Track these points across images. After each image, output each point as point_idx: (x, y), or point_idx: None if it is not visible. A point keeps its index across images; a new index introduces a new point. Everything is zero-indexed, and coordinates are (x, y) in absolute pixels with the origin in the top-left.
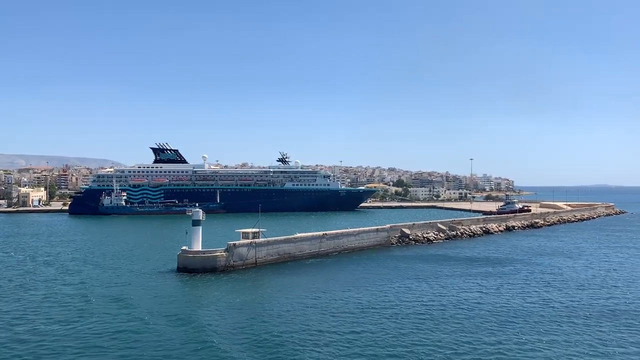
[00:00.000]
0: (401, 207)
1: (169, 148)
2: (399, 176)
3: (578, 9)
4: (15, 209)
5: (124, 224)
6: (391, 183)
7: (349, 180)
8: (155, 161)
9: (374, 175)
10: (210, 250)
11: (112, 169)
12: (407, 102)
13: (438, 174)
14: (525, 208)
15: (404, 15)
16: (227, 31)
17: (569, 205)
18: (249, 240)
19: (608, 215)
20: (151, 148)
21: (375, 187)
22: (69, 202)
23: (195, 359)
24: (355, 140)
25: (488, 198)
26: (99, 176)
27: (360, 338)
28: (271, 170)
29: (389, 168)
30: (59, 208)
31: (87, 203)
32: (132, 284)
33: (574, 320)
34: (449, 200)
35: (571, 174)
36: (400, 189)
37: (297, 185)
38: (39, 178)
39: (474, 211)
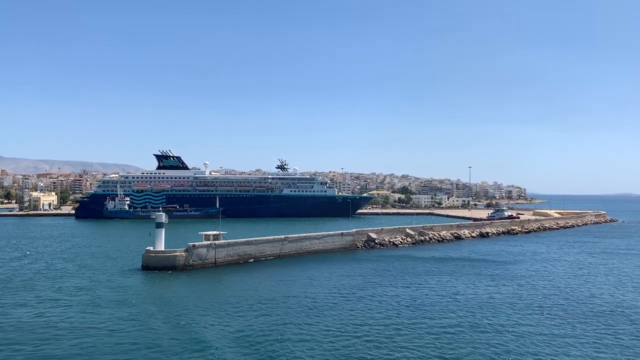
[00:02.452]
0: (399, 213)
1: (172, 155)
2: (410, 183)
3: (601, 17)
4: (26, 213)
5: (120, 227)
6: (398, 190)
7: (358, 187)
8: (159, 167)
9: (385, 182)
10: (171, 250)
11: (117, 175)
12: (425, 109)
13: (449, 181)
14: (514, 216)
15: (421, 23)
16: (240, 37)
17: (560, 213)
18: (208, 242)
19: (596, 223)
20: (155, 155)
21: (378, 193)
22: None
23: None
24: (371, 147)
25: (489, 206)
26: (104, 182)
27: (273, 321)
28: (269, 176)
29: (402, 175)
30: (68, 212)
31: (92, 207)
32: (97, 279)
33: (463, 311)
34: (450, 207)
35: (595, 182)
36: (402, 196)
37: (295, 191)
38: (54, 183)
39: (466, 218)
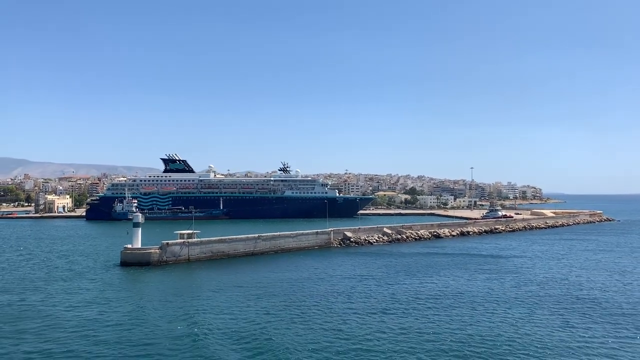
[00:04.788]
0: (400, 214)
1: (178, 158)
2: (423, 184)
3: (624, 20)
4: (41, 215)
5: (123, 228)
6: (406, 190)
7: (370, 188)
8: (165, 171)
9: (398, 183)
10: (146, 247)
11: (125, 178)
12: (445, 111)
13: (463, 182)
14: (508, 215)
15: (438, 25)
16: (262, 42)
17: (555, 213)
18: (182, 240)
19: (590, 222)
20: (161, 159)
21: (385, 194)
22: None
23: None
24: (392, 149)
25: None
26: (113, 184)
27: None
28: (272, 179)
29: (417, 176)
30: (80, 214)
31: (102, 209)
32: (79, 272)
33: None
34: (456, 208)
35: (620, 181)
36: (408, 197)
37: (296, 193)
38: (72, 186)
39: (464, 218)
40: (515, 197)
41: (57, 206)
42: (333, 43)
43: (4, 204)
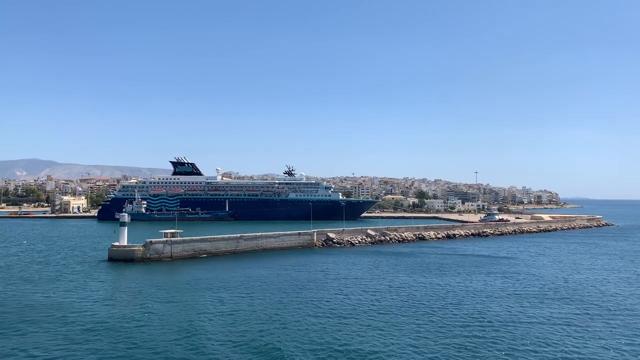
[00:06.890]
0: (404, 217)
1: (186, 161)
2: (437, 187)
3: None
4: (57, 215)
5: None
6: (417, 194)
7: (384, 191)
8: (174, 173)
9: (412, 187)
10: (131, 245)
11: (136, 180)
12: (466, 114)
13: (478, 185)
14: (505, 219)
15: (455, 25)
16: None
17: (553, 217)
18: (165, 239)
19: (585, 227)
20: (171, 162)
21: (392, 198)
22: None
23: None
24: (411, 152)
25: (500, 210)
26: (123, 186)
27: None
28: (276, 181)
29: (434, 180)
30: (93, 214)
31: (113, 210)
32: (71, 265)
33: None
34: (461, 212)
35: None
36: (416, 200)
37: (300, 195)
38: (92, 187)
39: (461, 221)
40: (530, 202)
41: (72, 207)
42: (355, 44)
43: (25, 204)
